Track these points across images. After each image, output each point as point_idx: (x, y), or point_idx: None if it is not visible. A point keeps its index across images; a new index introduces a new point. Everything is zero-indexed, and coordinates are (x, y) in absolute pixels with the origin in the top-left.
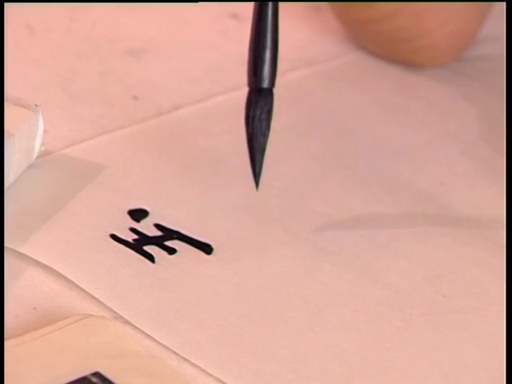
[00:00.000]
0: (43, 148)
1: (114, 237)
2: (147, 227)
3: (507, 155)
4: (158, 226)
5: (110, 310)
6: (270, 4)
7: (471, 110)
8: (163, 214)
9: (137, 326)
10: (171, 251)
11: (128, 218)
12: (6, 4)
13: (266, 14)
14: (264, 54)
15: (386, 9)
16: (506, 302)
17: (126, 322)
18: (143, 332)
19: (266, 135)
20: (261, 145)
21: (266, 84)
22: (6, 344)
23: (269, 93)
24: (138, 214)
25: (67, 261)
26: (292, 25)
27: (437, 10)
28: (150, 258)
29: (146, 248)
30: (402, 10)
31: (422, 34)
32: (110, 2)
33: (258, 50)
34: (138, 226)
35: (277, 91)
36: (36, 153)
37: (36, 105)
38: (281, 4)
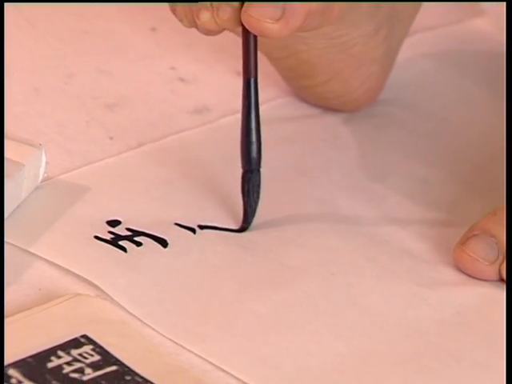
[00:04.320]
0: (45, 175)
1: (96, 237)
2: (121, 230)
3: (507, 154)
4: (129, 229)
5: (94, 289)
6: (253, 111)
7: (353, 141)
8: (132, 221)
9: (113, 299)
10: (138, 244)
11: (106, 225)
12: (15, 68)
13: (251, 118)
14: (252, 146)
15: (321, 78)
16: (506, 303)
17: (106, 298)
18: (118, 305)
19: (256, 202)
20: (253, 209)
21: (254, 166)
22: (19, 315)
23: (257, 172)
24: (113, 223)
25: (63, 255)
26: (217, 84)
27: (357, 76)
28: (123, 249)
29: (120, 243)
30: (333, 79)
31: (347, 93)
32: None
33: (248, 144)
34: (114, 230)
35: (208, 133)
36: (40, 178)
37: (40, 144)
38: None
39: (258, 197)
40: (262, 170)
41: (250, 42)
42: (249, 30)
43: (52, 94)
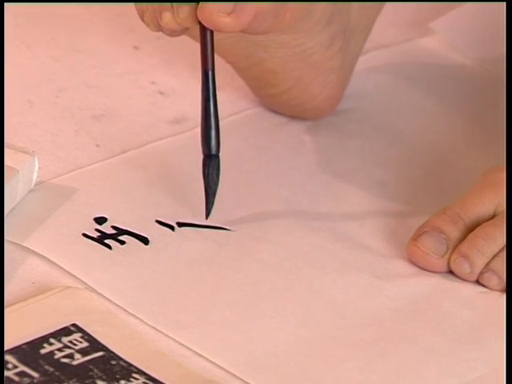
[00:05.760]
0: (38, 179)
1: (84, 235)
2: (106, 228)
3: (507, 153)
4: (114, 227)
5: (82, 282)
6: (211, 100)
7: (315, 148)
8: (117, 219)
9: (99, 292)
10: (122, 242)
11: (93, 222)
12: (12, 83)
13: (209, 106)
14: (210, 132)
15: (284, 86)
16: (506, 303)
17: (93, 291)
18: (104, 296)
19: (216, 184)
20: (212, 191)
21: (214, 151)
22: (15, 306)
23: (216, 157)
24: (100, 220)
25: (54, 251)
26: (193, 97)
27: (316, 84)
28: (108, 247)
29: (105, 241)
30: (295, 86)
31: (308, 100)
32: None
33: (207, 130)
34: (101, 228)
35: (185, 141)
36: (34, 182)
37: (33, 151)
38: None
39: (217, 180)
40: (233, 172)
41: (206, 38)
42: (205, 25)
43: (44, 106)
